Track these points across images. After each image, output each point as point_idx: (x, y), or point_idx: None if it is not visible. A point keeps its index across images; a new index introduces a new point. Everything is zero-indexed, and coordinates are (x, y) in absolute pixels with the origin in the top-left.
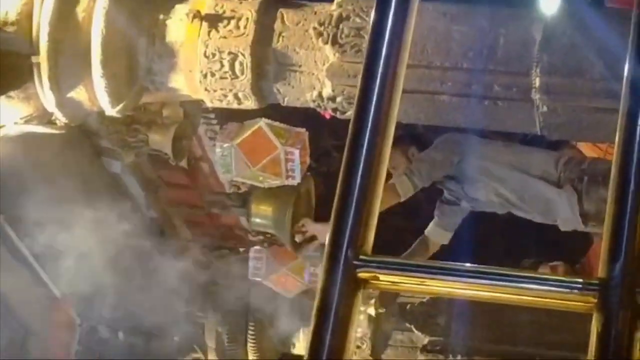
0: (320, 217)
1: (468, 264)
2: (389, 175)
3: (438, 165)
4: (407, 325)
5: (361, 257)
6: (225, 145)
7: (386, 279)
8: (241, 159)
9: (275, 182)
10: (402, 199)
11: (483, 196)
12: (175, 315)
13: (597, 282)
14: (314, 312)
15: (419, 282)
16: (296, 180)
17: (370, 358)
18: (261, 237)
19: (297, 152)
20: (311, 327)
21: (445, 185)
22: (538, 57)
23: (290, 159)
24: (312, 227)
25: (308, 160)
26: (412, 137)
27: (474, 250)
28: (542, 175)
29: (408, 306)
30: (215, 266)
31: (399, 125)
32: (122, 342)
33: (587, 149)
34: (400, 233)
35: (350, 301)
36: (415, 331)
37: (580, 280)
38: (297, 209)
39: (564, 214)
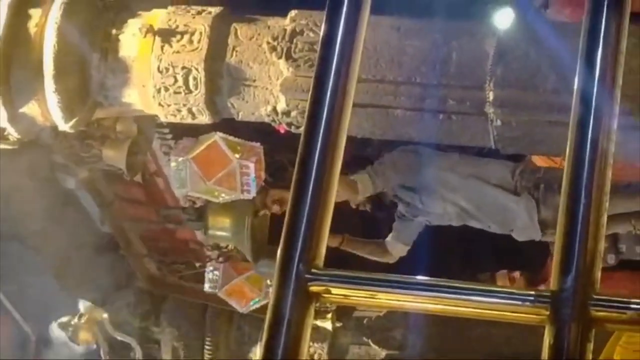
0: (276, 232)
1: (420, 277)
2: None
3: (399, 170)
4: (364, 339)
5: (313, 270)
6: (180, 159)
7: (338, 292)
8: (196, 173)
9: (230, 197)
10: (360, 197)
11: (439, 208)
12: (130, 330)
13: (548, 294)
14: (265, 325)
15: (370, 296)
16: (251, 194)
17: None
18: (217, 252)
19: (252, 165)
20: (263, 341)
21: (402, 197)
22: (491, 71)
23: (245, 173)
24: (274, 193)
25: (263, 174)
26: (361, 160)
27: (430, 263)
28: (499, 183)
29: (365, 320)
30: (170, 281)
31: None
32: (80, 356)
33: (542, 163)
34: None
35: (302, 315)
36: (373, 345)
37: (532, 292)
38: (254, 219)
39: (522, 222)
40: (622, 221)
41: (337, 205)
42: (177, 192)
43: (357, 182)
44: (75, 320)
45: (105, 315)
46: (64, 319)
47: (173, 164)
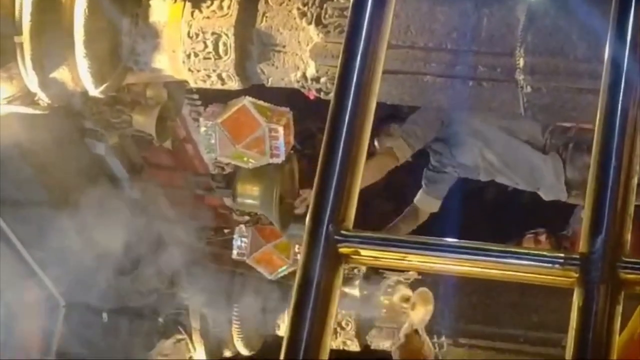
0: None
1: (449, 239)
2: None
3: (430, 124)
4: None
5: (342, 232)
6: (209, 123)
7: (367, 254)
8: (225, 137)
9: (259, 162)
10: (400, 162)
11: (469, 160)
12: (159, 296)
13: (578, 256)
14: (294, 287)
15: (400, 257)
16: (280, 158)
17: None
18: (246, 217)
19: (281, 129)
20: (292, 303)
21: (433, 148)
22: (522, 38)
23: (274, 137)
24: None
25: (292, 140)
26: (387, 118)
27: (459, 228)
28: (529, 140)
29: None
30: (199, 247)
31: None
32: (106, 323)
33: None
34: (385, 216)
35: (331, 276)
36: None
37: (562, 254)
38: (283, 187)
39: (548, 180)
40: None
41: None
42: (206, 157)
43: (394, 149)
44: None
45: None
46: None
47: (202, 128)
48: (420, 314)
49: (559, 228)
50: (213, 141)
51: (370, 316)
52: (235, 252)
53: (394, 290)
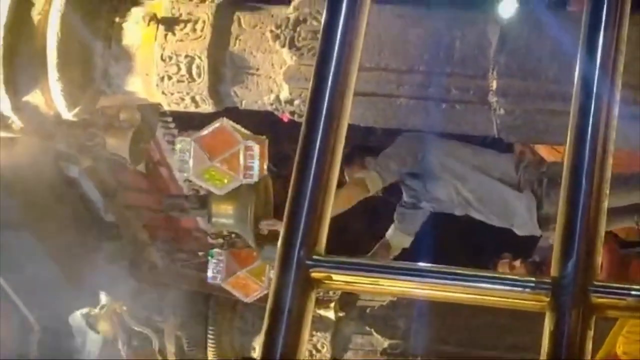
0: (279, 218)
1: (421, 264)
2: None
3: (404, 159)
4: (367, 328)
5: (314, 256)
6: (186, 139)
7: (340, 279)
8: (200, 152)
9: (231, 182)
10: (371, 193)
11: (444, 195)
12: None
13: (549, 280)
14: (267, 312)
15: (372, 282)
16: (253, 178)
17: None
18: (220, 240)
19: (257, 148)
20: (264, 328)
21: (407, 183)
22: (494, 60)
23: (250, 155)
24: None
25: (265, 167)
26: (363, 150)
27: (433, 253)
28: (502, 177)
29: (368, 309)
30: (173, 269)
31: (346, 142)
32: (80, 347)
33: (545, 153)
34: (359, 237)
35: (303, 301)
36: (375, 334)
37: (533, 279)
38: (258, 206)
39: (521, 218)
40: (625, 215)
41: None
42: (179, 175)
43: (366, 180)
44: (96, 310)
45: (124, 308)
46: (85, 310)
47: (178, 145)
48: None
49: (528, 255)
50: (187, 159)
51: (346, 338)
52: (210, 275)
53: None
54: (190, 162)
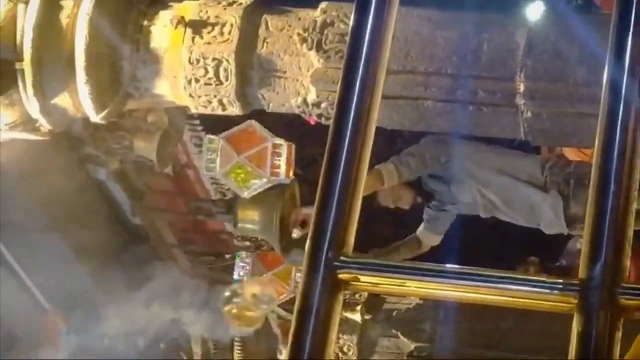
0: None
1: (449, 265)
2: None
3: (426, 160)
4: (394, 331)
5: (342, 258)
6: (214, 138)
7: (367, 280)
8: (227, 149)
9: (258, 180)
10: (385, 187)
11: (469, 198)
12: (161, 321)
13: (577, 282)
14: (294, 313)
15: (399, 284)
16: (279, 178)
17: None
18: (247, 243)
19: (285, 146)
20: (292, 328)
21: (431, 186)
22: (522, 63)
23: (277, 153)
24: (302, 213)
25: (292, 170)
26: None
27: (461, 253)
28: (529, 179)
29: (394, 312)
30: (201, 272)
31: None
32: (108, 347)
33: (572, 155)
34: (387, 241)
35: (331, 302)
36: (402, 337)
37: (561, 280)
38: (284, 213)
39: (548, 218)
40: None
41: (367, 200)
42: (206, 177)
43: (382, 172)
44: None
45: None
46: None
47: (206, 143)
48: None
49: (554, 259)
50: (215, 157)
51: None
52: (236, 277)
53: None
54: (218, 160)
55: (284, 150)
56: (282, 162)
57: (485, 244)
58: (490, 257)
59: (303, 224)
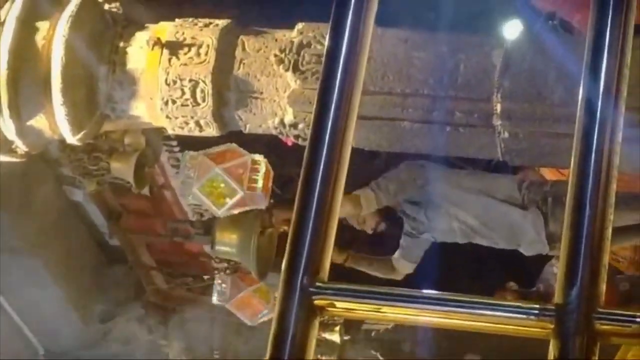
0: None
1: (424, 291)
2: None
3: (404, 184)
4: (373, 352)
5: (317, 284)
6: (194, 152)
7: (342, 306)
8: (206, 162)
9: (233, 195)
10: (363, 212)
11: (445, 224)
12: (138, 343)
13: (553, 307)
14: (270, 339)
15: (375, 309)
16: (255, 193)
17: None
18: (225, 264)
19: (264, 163)
20: (267, 356)
21: (407, 212)
22: (499, 83)
23: (255, 169)
24: (285, 213)
25: (270, 185)
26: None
27: (437, 278)
28: (506, 198)
29: (373, 333)
30: (178, 294)
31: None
32: None
33: (550, 175)
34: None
35: (307, 328)
36: (381, 358)
37: (537, 306)
38: (260, 237)
39: (529, 236)
40: (627, 235)
41: (344, 220)
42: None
43: (361, 197)
44: None
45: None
46: None
47: (186, 157)
48: None
49: (530, 284)
50: (191, 172)
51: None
52: (215, 297)
53: None
54: (195, 174)
55: (262, 167)
56: (259, 177)
57: (462, 269)
58: (467, 282)
59: (289, 223)
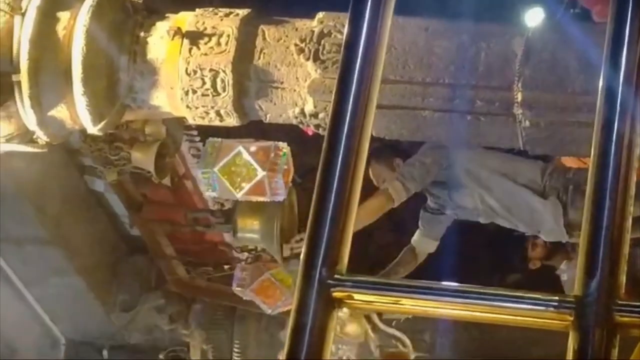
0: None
1: (443, 282)
2: (376, 188)
3: (429, 168)
4: (393, 342)
5: (336, 276)
6: (207, 170)
7: (361, 299)
8: (224, 184)
9: (253, 180)
10: (396, 204)
11: (469, 203)
12: (159, 332)
13: (572, 299)
14: (288, 331)
15: (393, 301)
16: (282, 197)
17: None
18: (246, 254)
19: (279, 176)
20: (285, 347)
21: (431, 192)
22: (519, 72)
23: (278, 155)
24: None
25: (292, 172)
26: (394, 149)
27: (459, 264)
28: (528, 184)
29: (393, 323)
30: (199, 283)
31: (377, 138)
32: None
33: (572, 163)
34: (386, 248)
35: (324, 320)
36: (401, 348)
37: (556, 297)
38: (283, 221)
39: (548, 224)
40: None
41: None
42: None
43: (390, 190)
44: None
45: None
46: None
47: (200, 174)
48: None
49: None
50: (213, 183)
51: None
52: (235, 284)
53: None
54: (217, 188)
55: (279, 178)
56: (280, 186)
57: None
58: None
59: None
